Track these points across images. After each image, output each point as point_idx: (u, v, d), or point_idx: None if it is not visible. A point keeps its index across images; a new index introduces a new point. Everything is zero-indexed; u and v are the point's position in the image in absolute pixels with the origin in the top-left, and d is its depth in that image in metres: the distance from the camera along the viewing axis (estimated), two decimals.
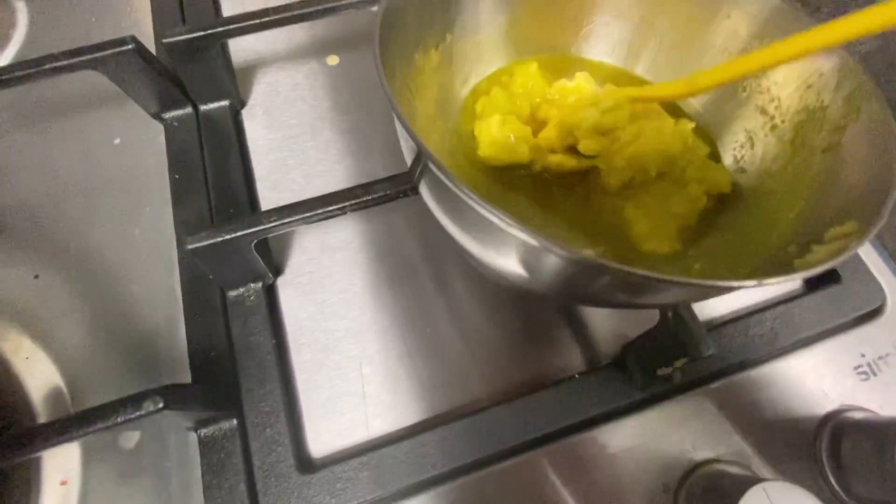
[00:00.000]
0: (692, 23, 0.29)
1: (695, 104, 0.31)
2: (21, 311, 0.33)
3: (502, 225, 0.17)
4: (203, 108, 0.39)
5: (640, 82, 0.32)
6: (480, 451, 0.28)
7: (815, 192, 0.22)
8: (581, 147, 0.29)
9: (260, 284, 0.33)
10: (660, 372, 0.27)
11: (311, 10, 0.34)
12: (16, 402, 0.29)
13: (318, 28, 0.45)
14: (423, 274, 0.34)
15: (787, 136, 0.24)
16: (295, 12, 0.34)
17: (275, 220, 0.27)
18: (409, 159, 0.24)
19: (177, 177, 0.37)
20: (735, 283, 0.16)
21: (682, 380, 0.30)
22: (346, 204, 0.27)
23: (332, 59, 0.44)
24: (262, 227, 0.27)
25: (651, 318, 0.28)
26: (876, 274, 0.34)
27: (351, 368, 0.31)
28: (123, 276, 0.34)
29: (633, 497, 0.28)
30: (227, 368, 0.30)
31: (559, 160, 0.29)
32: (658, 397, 0.30)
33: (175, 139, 0.38)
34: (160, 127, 0.39)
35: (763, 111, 0.27)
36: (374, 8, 0.37)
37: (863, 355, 0.32)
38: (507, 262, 0.22)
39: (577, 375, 0.31)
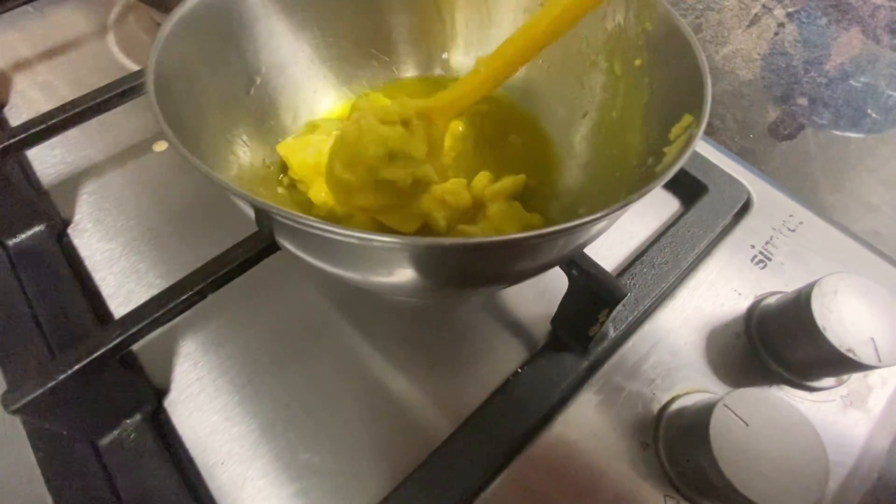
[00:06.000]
0: (483, 5, 0.30)
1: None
2: None
3: (378, 242, 0.15)
4: (12, 241, 0.33)
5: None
6: (462, 484, 0.25)
7: (647, 102, 0.23)
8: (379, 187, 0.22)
9: (139, 416, 0.27)
10: (591, 331, 0.26)
11: (104, 98, 0.31)
12: None
13: (133, 117, 0.40)
14: (332, 328, 0.31)
15: (605, 65, 0.26)
16: (87, 105, 0.30)
17: (119, 335, 0.22)
18: (253, 217, 0.21)
19: None
20: (597, 215, 0.15)
21: (617, 331, 0.30)
22: (203, 284, 0.23)
23: (160, 145, 0.40)
24: (105, 349, 0.22)
25: (566, 286, 0.27)
26: (733, 174, 0.37)
27: (283, 466, 0.27)
28: None
29: (621, 467, 0.26)
30: None
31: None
32: (602, 359, 0.29)
33: None
34: None
35: (581, 52, 0.28)
36: None
37: (752, 246, 0.34)
38: (394, 276, 0.20)
39: (519, 371, 0.29)
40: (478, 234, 0.24)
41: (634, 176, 0.22)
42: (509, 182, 0.26)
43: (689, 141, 0.17)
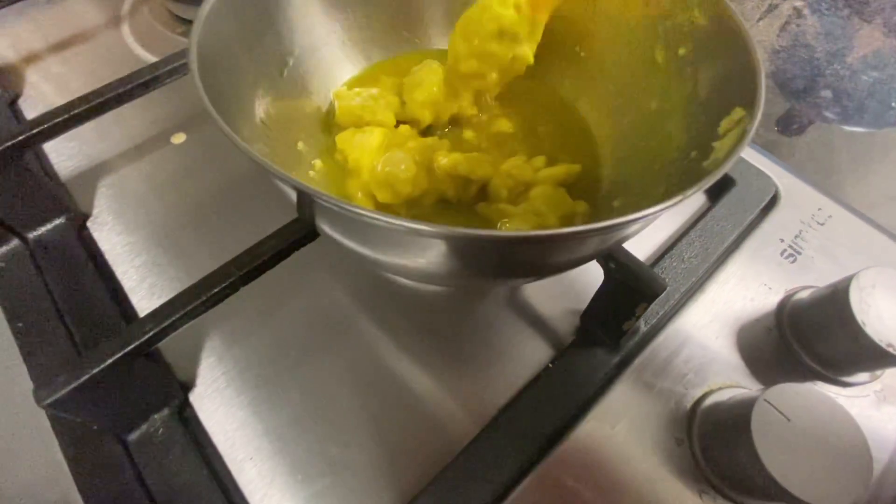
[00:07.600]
0: None
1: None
2: None
3: (424, 231, 0.15)
4: (33, 234, 0.33)
5: None
6: (492, 485, 0.25)
7: (691, 93, 0.23)
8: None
9: (167, 411, 0.27)
10: (626, 326, 0.26)
11: (124, 89, 0.30)
12: None
13: (150, 109, 0.40)
14: (358, 322, 0.31)
15: (645, 53, 0.25)
16: (107, 96, 0.30)
17: (151, 329, 0.22)
18: (295, 202, 0.21)
19: (20, 325, 0.30)
20: (653, 210, 0.15)
21: (647, 326, 0.29)
22: (235, 278, 0.23)
23: (178, 137, 0.39)
24: (137, 343, 0.22)
25: (596, 280, 0.27)
26: (761, 167, 0.36)
27: (313, 461, 0.26)
28: None
29: (654, 464, 0.26)
30: None
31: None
32: (633, 354, 0.29)
33: (5, 283, 0.31)
34: None
35: (619, 39, 0.27)
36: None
37: (782, 240, 0.33)
38: (435, 263, 0.19)
39: (550, 366, 0.29)
40: (517, 215, 0.24)
41: (674, 168, 0.22)
42: (562, 170, 0.26)
43: (743, 135, 0.17)
